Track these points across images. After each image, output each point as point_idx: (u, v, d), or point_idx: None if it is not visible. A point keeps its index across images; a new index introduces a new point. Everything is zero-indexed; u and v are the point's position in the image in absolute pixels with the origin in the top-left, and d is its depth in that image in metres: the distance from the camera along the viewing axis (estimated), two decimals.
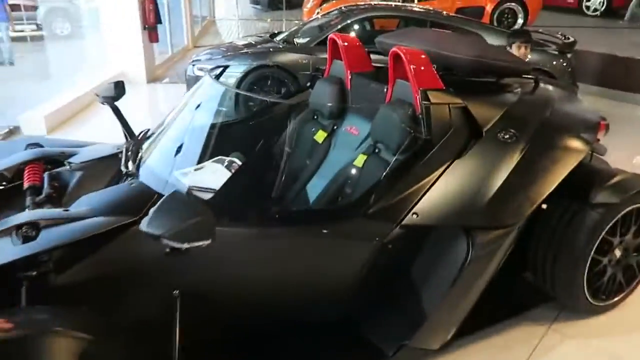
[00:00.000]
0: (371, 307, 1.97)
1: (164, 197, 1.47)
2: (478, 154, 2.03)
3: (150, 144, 2.11)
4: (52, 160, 2.19)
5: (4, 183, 2.09)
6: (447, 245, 1.95)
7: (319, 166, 2.50)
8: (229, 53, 5.22)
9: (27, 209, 1.89)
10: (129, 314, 1.67)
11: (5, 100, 5.76)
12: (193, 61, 5.32)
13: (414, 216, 1.84)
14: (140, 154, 2.05)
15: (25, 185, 2.02)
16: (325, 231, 1.79)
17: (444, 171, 1.93)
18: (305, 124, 2.72)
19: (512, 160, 2.02)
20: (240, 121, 2.79)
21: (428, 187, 1.89)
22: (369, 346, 1.89)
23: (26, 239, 1.54)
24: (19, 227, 1.58)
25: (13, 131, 4.75)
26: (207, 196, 1.83)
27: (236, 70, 4.84)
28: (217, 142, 2.10)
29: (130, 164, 2.03)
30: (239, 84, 4.78)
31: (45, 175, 2.07)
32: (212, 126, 2.16)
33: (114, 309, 1.64)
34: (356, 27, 5.59)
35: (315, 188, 2.38)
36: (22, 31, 11.18)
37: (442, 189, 1.91)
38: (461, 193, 1.93)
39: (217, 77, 3.94)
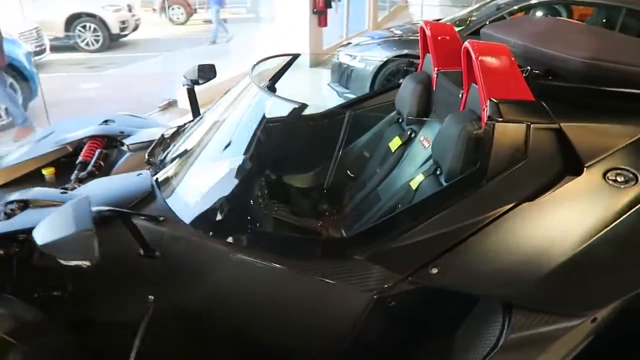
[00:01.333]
0: None
1: (61, 206, 1.32)
2: (564, 198, 1.40)
3: (180, 138, 1.98)
4: (113, 139, 2.23)
5: (63, 157, 2.19)
6: (478, 318, 1.40)
7: (382, 181, 2.08)
8: (378, 39, 4.91)
9: (70, 183, 1.95)
10: (102, 309, 1.59)
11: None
12: (341, 47, 5.16)
13: (433, 270, 1.34)
14: (168, 146, 1.95)
15: (78, 159, 2.09)
16: (311, 268, 1.41)
17: (495, 216, 1.37)
18: (388, 127, 2.31)
19: (616, 216, 1.35)
20: (319, 118, 2.49)
21: (465, 234, 1.36)
22: None
23: (6, 217, 1.54)
24: (8, 203, 1.59)
25: (171, 104, 5.26)
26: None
27: (375, 59, 4.50)
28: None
29: (156, 153, 1.94)
30: (375, 75, 4.45)
31: (96, 152, 2.11)
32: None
33: (85, 301, 1.57)
34: (541, 11, 4.71)
35: (366, 207, 1.98)
36: (237, 14, 12.53)
37: (485, 241, 1.36)
38: (514, 252, 1.35)
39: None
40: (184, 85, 2.54)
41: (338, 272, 1.40)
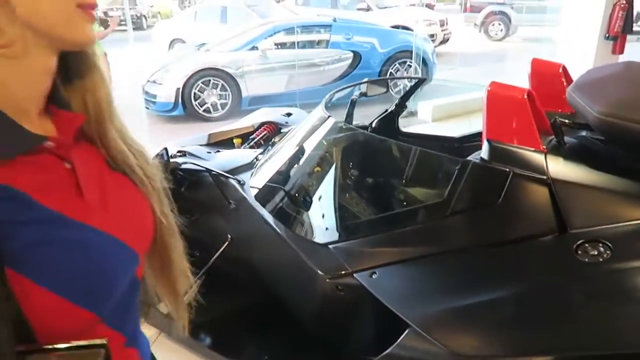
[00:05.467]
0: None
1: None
2: (521, 252, 1.37)
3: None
4: (280, 125, 2.98)
5: (248, 133, 3.05)
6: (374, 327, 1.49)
7: None
8: None
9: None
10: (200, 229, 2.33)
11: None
12: None
13: (373, 276, 1.53)
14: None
15: (251, 136, 2.91)
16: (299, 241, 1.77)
17: (441, 252, 1.45)
18: None
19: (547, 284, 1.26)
20: None
21: (408, 256, 1.49)
22: None
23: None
24: (178, 151, 2.48)
25: (413, 113, 5.77)
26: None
27: None
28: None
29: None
30: None
31: (262, 134, 2.88)
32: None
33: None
34: None
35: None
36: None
37: (420, 270, 1.46)
38: (439, 285, 1.41)
39: None
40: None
41: (313, 252, 1.73)
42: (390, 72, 7.44)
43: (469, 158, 1.58)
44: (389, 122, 2.74)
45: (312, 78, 7.12)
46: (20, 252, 0.56)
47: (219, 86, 6.82)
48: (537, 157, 1.42)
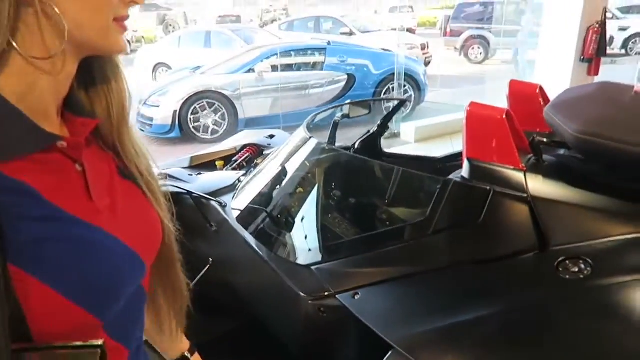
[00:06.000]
0: None
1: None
2: (505, 271, 1.37)
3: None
4: (262, 147, 2.97)
5: (230, 155, 3.03)
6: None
7: None
8: None
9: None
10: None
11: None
12: None
13: (355, 297, 1.51)
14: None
15: (234, 158, 2.90)
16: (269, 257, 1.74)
17: (424, 271, 1.44)
18: None
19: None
20: None
21: (391, 276, 1.48)
22: None
23: None
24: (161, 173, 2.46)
25: (396, 134, 5.82)
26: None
27: None
28: None
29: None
30: None
31: (245, 156, 2.87)
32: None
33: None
34: None
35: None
36: None
37: (403, 290, 1.45)
38: (420, 304, 1.39)
39: None
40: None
41: (295, 274, 1.71)
42: (384, 94, 7.55)
43: (450, 177, 1.59)
44: (371, 144, 2.75)
45: (308, 100, 7.19)
46: (26, 247, 0.56)
47: (215, 108, 6.81)
48: (517, 175, 1.44)
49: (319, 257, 1.70)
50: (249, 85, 7.05)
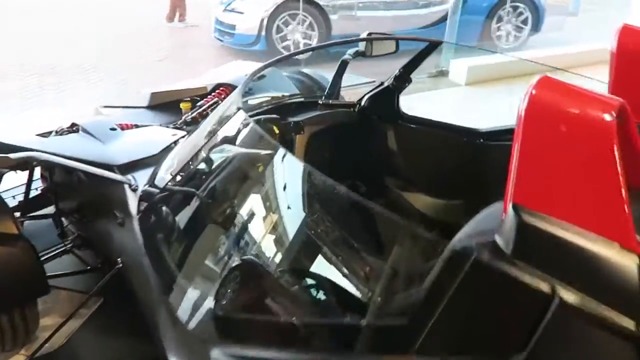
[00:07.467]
0: None
1: None
2: None
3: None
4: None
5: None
6: None
7: None
8: None
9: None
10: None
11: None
12: None
13: None
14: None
15: (199, 102, 2.15)
16: None
17: None
18: None
19: None
20: None
21: None
22: None
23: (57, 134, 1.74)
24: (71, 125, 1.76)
25: (444, 72, 4.84)
26: None
27: None
28: None
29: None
30: None
31: (212, 101, 2.12)
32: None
33: None
34: None
35: None
36: None
37: None
38: None
39: None
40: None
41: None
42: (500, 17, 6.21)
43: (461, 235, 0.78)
44: (385, 101, 1.92)
45: (412, 20, 6.05)
46: None
47: (307, 23, 5.76)
48: (628, 272, 0.63)
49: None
50: None
